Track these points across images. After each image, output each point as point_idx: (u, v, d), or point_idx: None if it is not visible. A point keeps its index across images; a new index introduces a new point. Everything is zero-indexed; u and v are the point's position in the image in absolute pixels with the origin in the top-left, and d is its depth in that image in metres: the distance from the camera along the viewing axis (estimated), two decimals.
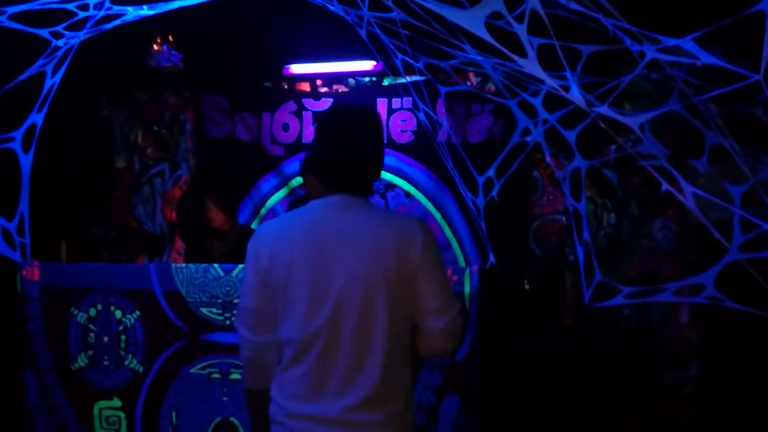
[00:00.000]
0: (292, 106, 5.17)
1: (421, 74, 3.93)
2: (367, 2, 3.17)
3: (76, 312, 3.44)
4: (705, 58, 2.31)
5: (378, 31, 3.46)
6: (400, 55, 3.76)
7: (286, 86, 5.23)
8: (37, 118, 3.74)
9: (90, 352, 3.43)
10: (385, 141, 4.88)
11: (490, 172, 4.08)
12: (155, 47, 4.81)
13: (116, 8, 3.39)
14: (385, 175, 4.98)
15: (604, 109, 2.49)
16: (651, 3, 3.26)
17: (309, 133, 5.11)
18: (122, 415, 3.41)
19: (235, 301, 3.22)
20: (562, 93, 2.51)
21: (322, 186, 2.08)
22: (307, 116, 5.15)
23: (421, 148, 4.90)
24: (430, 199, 5.00)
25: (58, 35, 3.52)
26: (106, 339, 3.42)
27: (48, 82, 3.70)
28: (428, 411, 3.14)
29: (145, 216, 5.37)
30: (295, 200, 4.97)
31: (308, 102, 5.15)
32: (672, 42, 2.33)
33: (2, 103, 3.53)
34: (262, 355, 2.10)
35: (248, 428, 2.27)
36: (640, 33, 2.37)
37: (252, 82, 5.22)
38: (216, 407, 3.32)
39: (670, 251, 4.55)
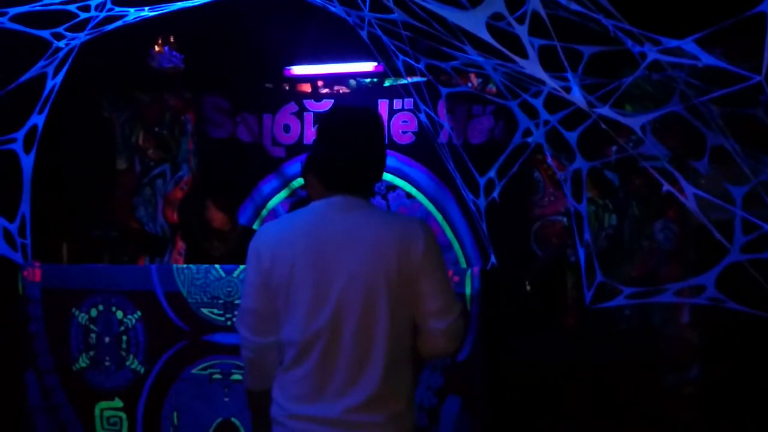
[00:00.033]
0: (293, 107, 5.17)
1: (422, 75, 3.93)
2: (368, 3, 3.17)
3: (77, 313, 3.45)
4: (706, 59, 2.31)
5: (379, 32, 3.46)
6: (401, 56, 3.77)
7: (287, 87, 5.23)
8: (38, 119, 3.74)
9: (91, 353, 3.44)
10: (386, 142, 4.88)
11: (492, 173, 4.08)
12: (156, 48, 4.81)
13: (117, 9, 3.39)
14: (387, 176, 4.98)
15: (606, 110, 2.49)
16: (652, 4, 3.26)
17: (310, 134, 5.11)
18: (123, 415, 3.41)
19: (236, 301, 3.22)
20: (564, 94, 2.51)
21: (324, 187, 2.08)
22: (308, 117, 5.15)
23: (422, 149, 4.90)
24: (431, 200, 5.00)
25: (59, 36, 3.52)
26: (107, 340, 3.43)
27: (49, 83, 3.70)
28: (429, 412, 3.14)
29: (146, 217, 5.38)
30: (297, 201, 4.98)
31: (309, 103, 5.15)
32: (673, 43, 2.33)
33: (3, 104, 3.54)
34: (263, 356, 2.10)
35: (249, 429, 2.27)
36: (642, 34, 2.37)
37: (253, 83, 5.22)
38: (217, 408, 3.32)
39: (671, 252, 4.55)
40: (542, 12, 2.17)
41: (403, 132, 5.02)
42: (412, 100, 4.51)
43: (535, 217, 4.89)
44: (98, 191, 5.33)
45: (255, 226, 5.08)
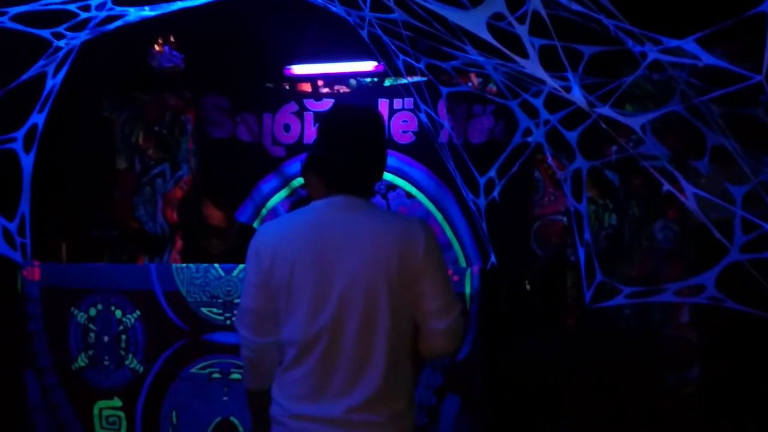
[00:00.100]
0: (293, 106, 5.17)
1: (423, 75, 3.93)
2: (368, 3, 3.17)
3: (76, 312, 3.45)
4: (707, 59, 2.31)
5: (379, 31, 3.46)
6: (401, 56, 3.76)
7: (287, 87, 5.22)
8: (38, 119, 3.74)
9: (90, 352, 3.44)
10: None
11: (492, 173, 4.08)
12: (156, 48, 4.81)
13: (118, 9, 3.39)
14: (387, 176, 4.98)
15: (606, 110, 2.48)
16: (653, 4, 3.26)
17: (310, 134, 5.10)
18: (122, 414, 3.41)
19: (236, 301, 3.22)
20: (564, 94, 2.51)
21: (324, 186, 2.08)
22: (309, 117, 5.14)
23: (422, 149, 4.90)
24: (431, 199, 5.00)
25: (59, 36, 3.52)
26: (106, 339, 3.43)
27: (49, 83, 3.70)
28: (429, 411, 3.15)
29: (145, 216, 5.37)
30: (297, 201, 4.97)
31: (309, 102, 5.15)
32: (674, 43, 2.33)
33: (4, 104, 3.53)
34: (262, 356, 2.09)
35: (248, 428, 2.27)
36: (642, 34, 2.37)
37: (253, 82, 5.22)
38: (216, 407, 3.32)
39: (671, 252, 4.54)
40: (543, 12, 2.17)
41: (404, 132, 5.01)
42: (412, 99, 4.51)
43: (535, 217, 4.89)
44: (98, 191, 5.32)
45: (255, 225, 5.08)
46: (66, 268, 3.84)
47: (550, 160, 4.21)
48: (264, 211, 5.20)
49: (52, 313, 3.46)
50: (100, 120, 5.35)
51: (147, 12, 3.50)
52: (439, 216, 4.98)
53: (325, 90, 5.15)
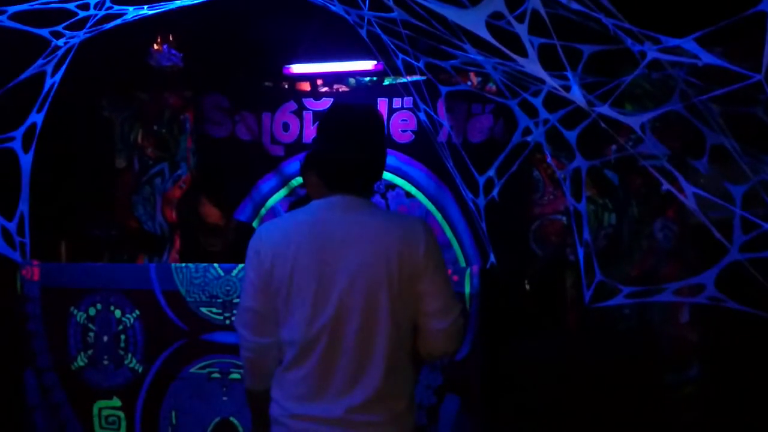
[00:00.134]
0: (292, 105, 5.17)
1: (422, 74, 3.93)
2: (367, 2, 3.17)
3: (75, 311, 3.44)
4: (706, 58, 2.31)
5: (379, 30, 3.46)
6: (400, 55, 3.76)
7: (286, 86, 5.22)
8: (37, 118, 3.74)
9: (89, 352, 3.43)
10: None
11: (491, 172, 4.08)
12: (155, 47, 4.81)
13: (116, 8, 3.39)
14: (386, 175, 4.97)
15: (605, 109, 2.49)
16: (652, 3, 3.26)
17: (309, 133, 5.10)
18: (122, 414, 3.41)
19: (235, 300, 3.22)
20: (563, 93, 2.51)
21: (324, 186, 2.07)
22: (308, 116, 5.14)
23: (421, 148, 4.90)
24: (430, 199, 5.00)
25: (58, 35, 3.52)
26: (105, 338, 3.42)
27: (48, 82, 3.70)
28: (428, 410, 3.14)
29: (145, 216, 5.37)
30: (296, 200, 4.97)
31: (309, 102, 5.15)
32: (673, 42, 2.33)
33: (2, 103, 3.53)
34: (262, 356, 2.09)
35: (248, 428, 2.27)
36: (642, 33, 2.36)
37: (252, 81, 5.22)
38: (216, 407, 3.32)
39: (671, 251, 4.54)
40: (542, 11, 2.16)
41: (403, 131, 5.01)
42: (411, 98, 4.51)
43: (534, 216, 4.89)
44: (97, 190, 5.32)
45: (254, 225, 5.08)
46: (65, 268, 3.83)
47: (549, 159, 4.21)
48: (263, 211, 5.20)
49: (52, 313, 3.46)
50: (99, 119, 5.35)
51: (146, 11, 3.50)
52: (438, 215, 4.98)
53: (325, 89, 5.15)
